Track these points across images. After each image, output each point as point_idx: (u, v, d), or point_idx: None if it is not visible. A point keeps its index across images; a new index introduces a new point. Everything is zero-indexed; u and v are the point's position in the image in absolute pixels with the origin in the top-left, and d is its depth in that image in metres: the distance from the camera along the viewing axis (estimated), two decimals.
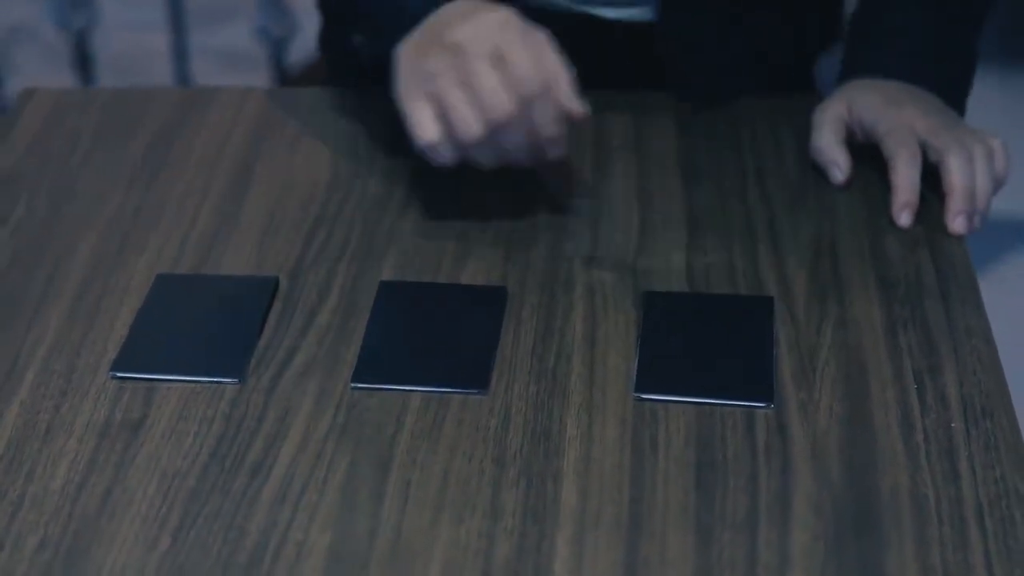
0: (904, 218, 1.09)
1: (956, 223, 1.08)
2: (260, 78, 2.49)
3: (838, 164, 1.14)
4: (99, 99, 1.29)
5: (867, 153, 1.16)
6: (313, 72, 2.28)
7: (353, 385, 0.95)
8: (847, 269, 1.05)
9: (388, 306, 1.02)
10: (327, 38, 1.38)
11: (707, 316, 1.02)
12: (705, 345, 0.99)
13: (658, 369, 0.97)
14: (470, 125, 1.00)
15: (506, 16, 1.03)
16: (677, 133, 1.21)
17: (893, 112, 1.13)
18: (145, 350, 0.99)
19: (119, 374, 0.97)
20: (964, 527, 0.85)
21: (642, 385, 0.95)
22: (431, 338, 0.99)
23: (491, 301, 1.02)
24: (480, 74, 1.00)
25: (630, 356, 0.98)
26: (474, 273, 1.06)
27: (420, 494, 0.87)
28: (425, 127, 1.02)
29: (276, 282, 1.04)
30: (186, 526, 0.86)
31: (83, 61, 2.42)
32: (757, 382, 0.96)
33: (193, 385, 0.96)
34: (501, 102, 1.00)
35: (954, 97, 1.19)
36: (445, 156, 1.03)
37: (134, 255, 1.08)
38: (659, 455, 0.90)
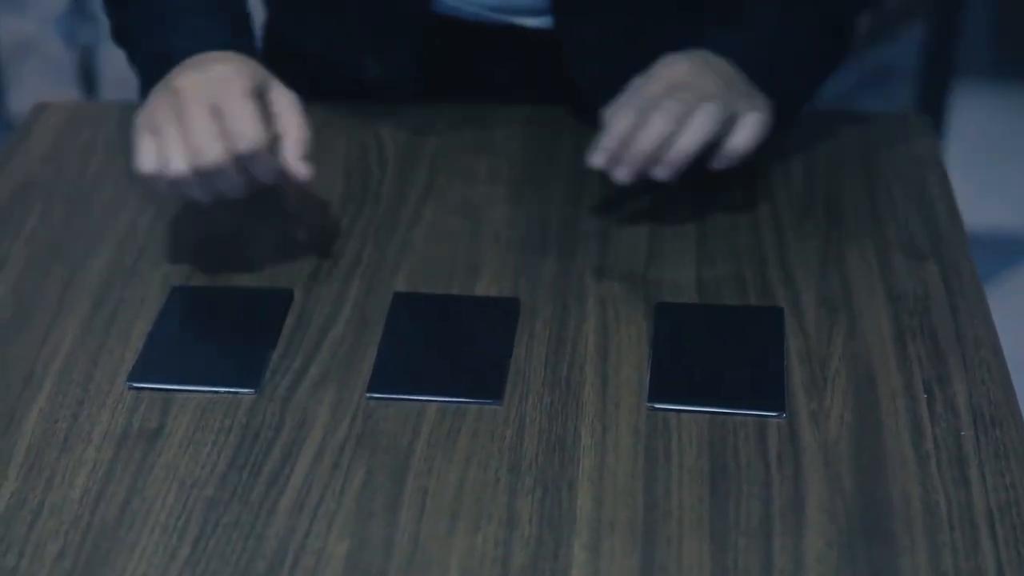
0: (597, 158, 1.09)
1: (594, 156, 1.09)
2: None
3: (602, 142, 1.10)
4: (111, 113, 1.30)
5: (872, 165, 1.17)
6: None
7: (369, 395, 0.96)
8: (855, 281, 1.07)
9: (402, 317, 1.03)
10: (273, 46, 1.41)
11: (719, 327, 1.03)
12: (717, 356, 1.00)
13: (671, 379, 0.98)
14: (178, 163, 1.02)
15: (236, 70, 1.06)
16: None
17: (663, 69, 1.13)
18: (161, 361, 0.99)
19: (136, 384, 0.97)
20: (975, 533, 0.85)
21: (655, 395, 0.96)
22: (445, 349, 1.00)
23: (504, 312, 1.03)
24: (193, 118, 1.02)
25: (642, 366, 0.99)
26: (486, 285, 1.07)
27: (436, 503, 0.88)
28: (141, 159, 1.03)
29: (291, 294, 1.05)
30: (205, 535, 0.86)
31: (88, 77, 2.43)
32: (769, 392, 0.97)
33: (210, 395, 0.97)
34: (211, 148, 1.02)
35: (781, 96, 1.16)
36: (159, 189, 1.04)
37: (149, 267, 1.09)
38: (672, 463, 0.91)
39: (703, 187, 1.17)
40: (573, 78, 1.25)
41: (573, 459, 0.91)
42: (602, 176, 1.18)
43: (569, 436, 0.93)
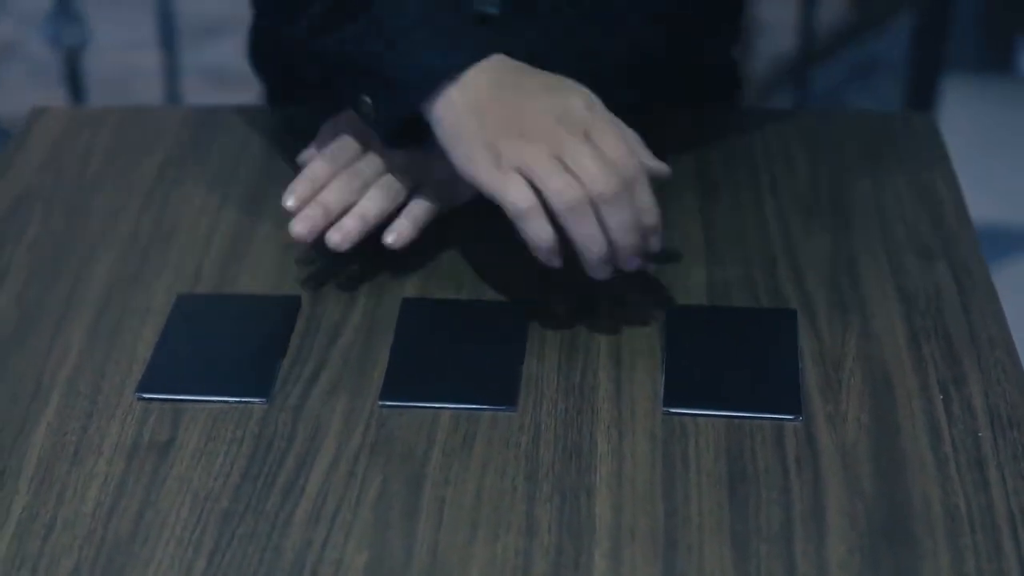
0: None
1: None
2: (251, 95, 2.49)
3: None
4: (110, 118, 1.28)
5: (878, 164, 1.16)
6: None
7: (381, 403, 0.95)
8: (866, 282, 1.06)
9: (412, 323, 1.02)
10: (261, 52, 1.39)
11: (731, 330, 1.03)
12: (731, 359, 1.00)
13: (686, 383, 0.97)
14: (570, 189, 0.94)
15: (590, 97, 0.98)
16: (689, 147, 1.21)
17: None
18: (170, 371, 0.98)
19: (145, 395, 0.96)
20: (997, 535, 0.85)
21: (671, 399, 0.96)
22: (457, 355, 0.99)
23: (515, 317, 1.02)
24: (577, 152, 0.95)
25: (656, 371, 0.98)
26: (495, 290, 1.06)
27: (454, 511, 0.87)
28: (519, 194, 0.95)
29: (299, 301, 1.04)
30: (221, 548, 0.85)
31: (74, 79, 2.41)
32: (784, 395, 0.96)
33: (220, 405, 0.96)
34: (601, 176, 0.95)
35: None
36: (545, 233, 0.96)
37: (152, 275, 1.08)
38: (690, 469, 0.90)
39: (707, 188, 1.17)
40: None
41: (590, 466, 0.90)
42: None
43: (585, 443, 0.92)
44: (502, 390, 0.96)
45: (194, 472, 0.91)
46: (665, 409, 0.95)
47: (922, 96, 2.42)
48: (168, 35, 2.44)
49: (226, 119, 1.27)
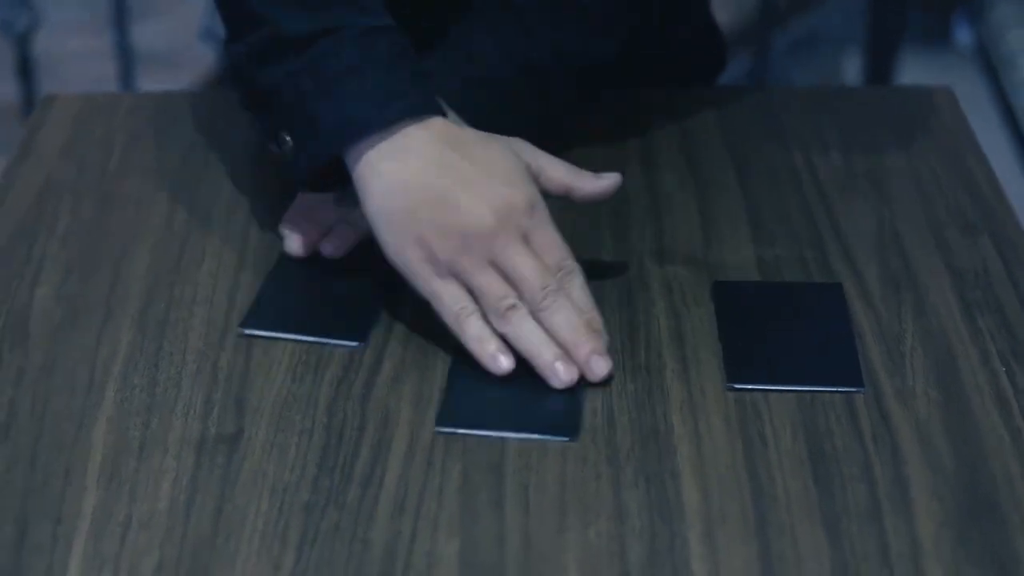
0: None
1: None
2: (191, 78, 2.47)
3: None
4: (124, 104, 1.26)
5: (909, 140, 1.17)
6: None
7: (438, 430, 0.93)
8: (914, 257, 1.06)
9: None
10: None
11: (781, 304, 1.03)
12: (785, 332, 1.00)
13: (745, 358, 0.97)
14: (507, 300, 0.93)
15: (529, 191, 0.95)
16: (719, 128, 1.21)
17: None
18: (274, 311, 1.01)
19: (248, 331, 0.99)
20: None
21: (733, 375, 0.95)
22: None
23: None
24: (514, 258, 0.93)
25: (718, 348, 0.98)
26: None
27: (540, 498, 0.86)
28: (456, 303, 0.94)
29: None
30: (307, 541, 0.84)
31: (25, 66, 2.36)
32: (845, 367, 0.96)
33: (285, 395, 0.94)
34: (538, 282, 0.93)
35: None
36: (484, 333, 0.94)
37: (194, 264, 1.06)
38: (770, 449, 0.90)
39: (743, 169, 1.16)
40: None
41: (670, 449, 0.90)
42: (642, 158, 1.17)
43: (661, 425, 0.92)
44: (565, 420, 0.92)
45: (268, 465, 0.89)
46: (729, 385, 0.94)
47: (881, 70, 2.44)
48: (120, 16, 2.40)
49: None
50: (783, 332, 1.00)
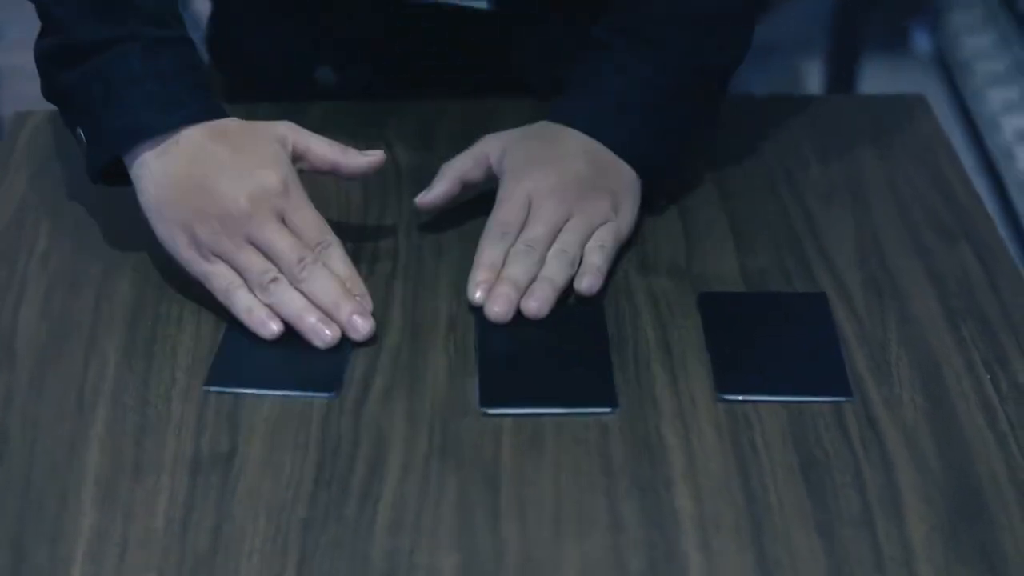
0: (478, 294, 1.02)
1: (473, 292, 1.02)
2: None
3: (433, 188, 1.10)
4: None
5: (884, 147, 1.18)
6: None
7: (484, 411, 0.94)
8: (895, 265, 1.08)
9: (491, 328, 1.01)
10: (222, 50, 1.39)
11: (766, 314, 1.04)
12: (773, 342, 1.01)
13: (734, 369, 0.98)
14: (267, 274, 0.99)
15: (284, 173, 1.01)
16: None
17: (523, 177, 1.07)
18: (237, 364, 0.98)
19: (213, 388, 0.96)
20: None
21: (722, 385, 0.96)
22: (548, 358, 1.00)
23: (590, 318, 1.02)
24: (270, 235, 0.99)
25: (707, 359, 0.98)
26: None
27: (537, 510, 0.87)
28: (222, 279, 1.00)
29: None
30: (308, 558, 0.84)
31: None
32: (833, 376, 0.97)
33: (278, 412, 0.94)
34: (295, 255, 0.99)
35: (645, 162, 1.11)
36: (251, 302, 0.99)
37: (178, 283, 1.05)
38: (761, 458, 0.91)
39: (721, 177, 1.17)
40: (514, 59, 1.25)
41: (663, 459, 0.91)
42: None
43: (653, 436, 0.92)
44: (601, 390, 0.96)
45: (264, 482, 0.89)
46: (720, 395, 0.95)
47: (842, 77, 2.46)
48: None
49: None
50: (770, 342, 1.01)
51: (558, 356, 0.99)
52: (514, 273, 1.02)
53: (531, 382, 0.97)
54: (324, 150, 1.05)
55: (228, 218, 0.99)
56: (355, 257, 1.06)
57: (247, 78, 1.36)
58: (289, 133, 1.04)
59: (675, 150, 1.12)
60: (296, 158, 1.04)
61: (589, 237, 1.05)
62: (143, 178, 1.02)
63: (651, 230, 1.11)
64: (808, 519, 0.86)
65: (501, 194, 1.07)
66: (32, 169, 1.19)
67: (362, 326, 0.98)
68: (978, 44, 2.92)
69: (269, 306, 0.99)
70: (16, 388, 0.96)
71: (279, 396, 0.95)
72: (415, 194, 1.12)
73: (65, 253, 1.09)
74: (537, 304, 1.00)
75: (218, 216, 0.99)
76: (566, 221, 1.05)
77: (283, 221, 1.00)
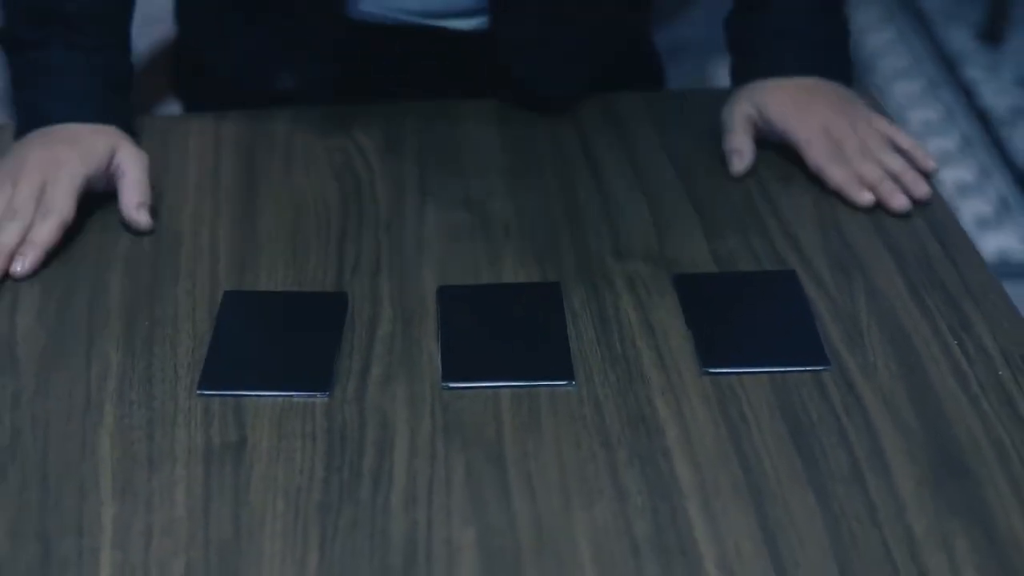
0: (867, 197, 1.17)
1: (863, 199, 1.18)
2: None
3: (740, 152, 1.21)
4: None
5: None
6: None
7: (444, 385, 0.98)
8: (857, 242, 1.13)
9: (451, 309, 1.04)
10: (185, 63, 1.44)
11: (740, 292, 1.09)
12: (749, 318, 1.06)
13: (716, 344, 1.02)
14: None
15: (83, 154, 1.15)
16: (653, 129, 1.27)
17: (804, 116, 1.22)
18: (228, 367, 0.99)
19: (206, 392, 0.97)
20: None
21: (706, 360, 1.00)
22: (505, 334, 1.03)
23: (547, 296, 1.06)
24: (15, 194, 1.14)
25: (688, 336, 1.03)
26: (512, 274, 1.09)
27: (543, 484, 0.91)
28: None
29: (346, 297, 1.05)
30: (329, 538, 0.87)
31: None
32: (809, 347, 1.02)
33: (282, 403, 0.97)
34: (32, 210, 1.12)
35: (842, 73, 1.28)
36: None
37: (169, 284, 1.08)
38: (751, 425, 0.95)
39: (684, 167, 1.22)
40: (509, 73, 1.28)
41: (658, 430, 0.95)
42: (589, 164, 1.22)
43: (645, 409, 0.96)
44: (558, 365, 0.99)
45: (277, 470, 0.92)
46: (703, 369, 0.99)
47: None
48: None
49: (188, 127, 1.28)
50: (747, 317, 1.06)
51: (517, 333, 1.03)
52: (876, 172, 1.19)
53: (491, 358, 1.01)
54: (129, 183, 1.15)
55: (13, 171, 1.15)
56: (339, 257, 1.09)
57: (212, 94, 1.38)
58: (123, 151, 1.17)
59: (848, 54, 1.30)
60: (115, 172, 1.16)
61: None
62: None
63: (622, 218, 1.15)
64: (801, 479, 0.91)
65: (797, 137, 1.21)
66: None
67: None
68: (879, 40, 3.01)
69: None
70: (22, 390, 0.98)
71: (272, 397, 0.98)
72: (390, 194, 1.16)
73: (55, 262, 1.11)
74: (904, 198, 1.17)
75: (15, 179, 1.14)
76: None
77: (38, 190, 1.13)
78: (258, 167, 1.22)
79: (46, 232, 1.11)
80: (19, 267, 1.09)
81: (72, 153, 1.15)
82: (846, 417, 0.96)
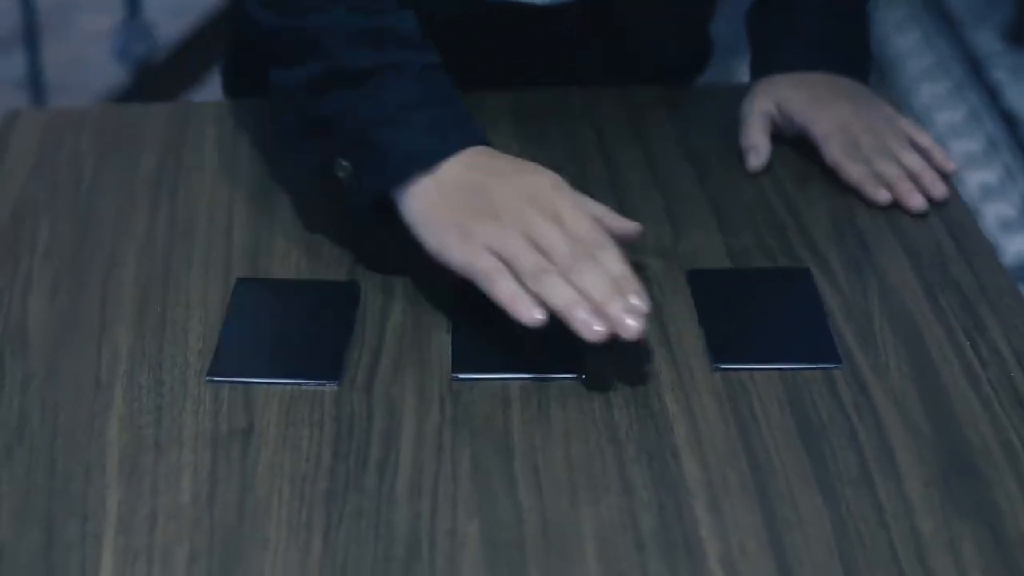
0: (884, 195, 1.17)
1: (879, 193, 1.17)
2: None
3: (757, 148, 1.21)
4: (90, 118, 1.27)
5: None
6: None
7: (454, 376, 0.98)
8: (872, 241, 1.12)
9: (463, 301, 1.04)
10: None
11: (754, 288, 1.08)
12: (762, 315, 1.05)
13: (727, 340, 1.02)
14: (541, 263, 0.96)
15: (556, 179, 1.01)
16: (672, 125, 1.26)
17: (823, 112, 1.21)
18: (238, 355, 1.00)
19: (216, 379, 0.97)
20: None
21: (718, 357, 1.00)
22: (515, 328, 1.02)
23: None
24: (546, 231, 0.97)
25: (700, 332, 1.02)
26: None
27: (550, 477, 0.90)
28: (487, 261, 0.97)
29: (357, 286, 1.05)
30: (333, 526, 0.87)
31: None
32: (821, 345, 1.01)
33: (291, 390, 0.97)
34: (568, 249, 0.97)
35: (860, 70, 1.28)
36: (513, 288, 0.96)
37: (182, 270, 1.08)
38: (760, 423, 0.95)
39: (700, 163, 1.22)
40: (624, 47, 1.29)
41: (667, 426, 0.94)
42: (604, 158, 1.22)
43: (655, 404, 0.96)
44: (568, 359, 0.99)
45: (283, 457, 0.92)
46: (714, 366, 0.99)
47: None
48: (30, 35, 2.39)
49: (209, 114, 1.28)
50: (760, 314, 1.05)
51: (527, 326, 1.00)
52: (893, 170, 1.18)
53: (501, 351, 1.00)
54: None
55: (504, 213, 0.98)
56: (353, 246, 1.09)
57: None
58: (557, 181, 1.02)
59: (868, 51, 1.30)
60: None
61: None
62: (417, 200, 1.01)
63: (637, 213, 1.15)
64: (810, 479, 0.91)
65: (815, 132, 1.20)
66: (28, 167, 1.21)
67: (632, 327, 0.94)
68: (903, 43, 3.00)
69: (536, 295, 0.96)
70: (33, 374, 0.98)
71: (282, 385, 0.98)
72: None
73: (67, 249, 1.11)
74: (921, 198, 1.16)
75: (493, 213, 0.98)
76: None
77: (558, 221, 0.98)
78: (276, 155, 1.21)
79: (619, 267, 0.97)
80: (632, 330, 0.94)
81: (528, 165, 1.03)
82: (856, 416, 0.95)
